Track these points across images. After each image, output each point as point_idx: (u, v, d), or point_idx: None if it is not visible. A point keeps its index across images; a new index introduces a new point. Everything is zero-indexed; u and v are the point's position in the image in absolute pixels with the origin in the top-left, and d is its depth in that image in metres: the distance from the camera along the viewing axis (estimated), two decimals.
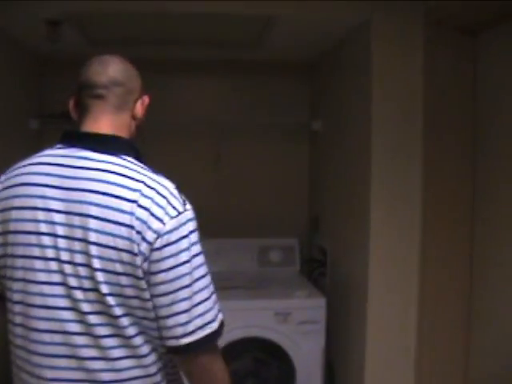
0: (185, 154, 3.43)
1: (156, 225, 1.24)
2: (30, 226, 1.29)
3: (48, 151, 1.37)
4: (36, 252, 1.28)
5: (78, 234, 1.25)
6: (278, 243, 3.39)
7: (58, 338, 1.29)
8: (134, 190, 1.26)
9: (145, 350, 1.32)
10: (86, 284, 1.25)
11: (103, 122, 1.37)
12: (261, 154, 3.60)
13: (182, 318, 1.28)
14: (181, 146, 3.43)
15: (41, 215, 1.28)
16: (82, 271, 1.25)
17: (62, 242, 1.26)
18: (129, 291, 1.26)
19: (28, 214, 1.30)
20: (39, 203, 1.29)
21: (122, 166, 1.30)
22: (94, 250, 1.24)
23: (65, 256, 1.26)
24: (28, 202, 1.30)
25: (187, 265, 1.27)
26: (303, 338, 2.73)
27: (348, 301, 2.79)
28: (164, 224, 1.25)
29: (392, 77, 2.46)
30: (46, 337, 1.29)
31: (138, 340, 1.30)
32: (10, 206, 1.33)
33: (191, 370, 1.35)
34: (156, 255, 1.25)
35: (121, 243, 1.24)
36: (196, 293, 1.29)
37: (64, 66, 3.25)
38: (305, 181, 3.69)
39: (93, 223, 1.24)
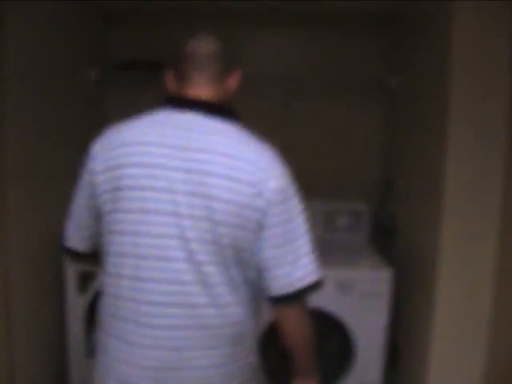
0: (254, 111, 3.24)
1: (272, 183, 1.41)
2: (146, 182, 1.39)
3: (157, 113, 1.49)
4: (152, 206, 1.39)
5: (199, 189, 1.37)
6: (346, 207, 3.16)
7: (171, 287, 1.40)
8: (253, 151, 1.43)
9: (249, 297, 1.50)
10: (206, 236, 1.38)
11: (206, 92, 1.51)
12: (333, 112, 3.36)
13: (288, 269, 1.45)
14: (250, 103, 3.23)
15: (158, 171, 1.39)
16: (203, 225, 1.38)
17: (181, 197, 1.38)
18: (244, 244, 1.42)
19: (144, 171, 1.40)
20: (156, 160, 1.40)
21: (236, 130, 1.46)
22: (215, 204, 1.37)
23: (185, 210, 1.38)
24: (143, 160, 1.40)
25: (297, 220, 1.46)
26: (366, 312, 2.53)
27: (417, 275, 2.56)
28: (279, 183, 1.42)
29: (474, 40, 2.16)
30: (160, 287, 1.41)
31: (245, 288, 1.48)
32: (121, 163, 1.42)
33: (285, 318, 1.54)
34: (272, 210, 1.41)
35: (241, 199, 1.38)
36: (302, 246, 1.48)
37: (127, 16, 3.14)
38: (378, 142, 3.42)
39: (214, 180, 1.37)
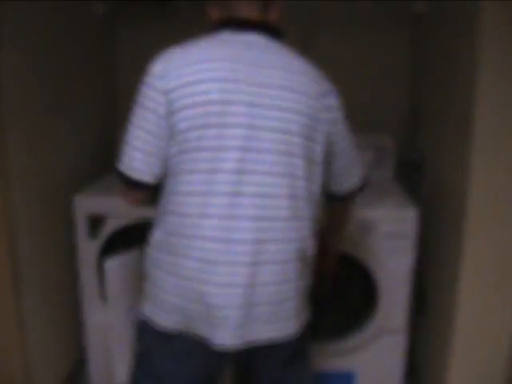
0: None
1: (337, 99, 1.65)
2: (231, 97, 1.44)
3: (219, 34, 1.53)
4: (233, 120, 1.44)
5: (274, 103, 1.47)
6: (371, 141, 2.94)
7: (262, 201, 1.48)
8: (315, 70, 1.59)
9: (313, 213, 1.59)
10: (281, 147, 1.49)
11: (258, 18, 1.56)
12: (355, 41, 3.10)
13: (355, 172, 1.76)
14: None
15: (241, 86, 1.45)
16: (278, 136, 1.48)
17: (258, 110, 1.46)
18: (314, 156, 1.57)
19: (228, 86, 1.44)
20: (236, 75, 1.45)
21: (292, 51, 1.57)
22: (290, 116, 1.48)
23: (261, 123, 1.46)
24: (226, 75, 1.45)
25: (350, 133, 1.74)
26: (390, 253, 2.36)
27: (445, 214, 2.37)
28: (339, 99, 1.66)
29: None
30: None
31: (309, 205, 1.57)
32: (204, 78, 1.43)
33: (346, 209, 1.91)
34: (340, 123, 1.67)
35: (311, 112, 1.53)
36: (357, 154, 1.76)
37: None
38: (405, 73, 3.16)
39: (288, 93, 1.49)
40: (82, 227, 2.46)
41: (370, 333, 2.47)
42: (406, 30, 3.10)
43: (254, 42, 1.51)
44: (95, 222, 2.45)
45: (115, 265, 2.12)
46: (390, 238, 2.36)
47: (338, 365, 2.54)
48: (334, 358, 2.53)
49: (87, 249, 2.48)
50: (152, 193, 1.57)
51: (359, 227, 2.35)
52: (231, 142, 1.43)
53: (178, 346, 1.57)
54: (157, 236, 1.55)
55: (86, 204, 2.45)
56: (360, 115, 3.10)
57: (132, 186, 1.54)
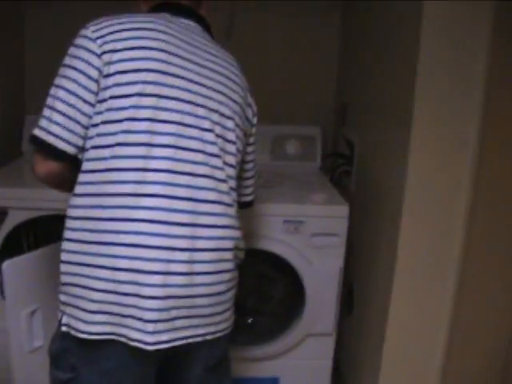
0: None
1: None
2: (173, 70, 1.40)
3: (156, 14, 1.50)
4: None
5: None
6: (297, 132, 2.82)
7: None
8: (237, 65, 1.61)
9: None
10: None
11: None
12: (281, 27, 2.94)
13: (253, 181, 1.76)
14: None
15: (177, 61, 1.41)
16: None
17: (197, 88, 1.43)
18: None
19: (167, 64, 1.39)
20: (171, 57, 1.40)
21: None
22: (226, 101, 1.49)
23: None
24: (168, 47, 1.40)
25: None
26: (317, 253, 2.21)
27: (377, 210, 2.25)
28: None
29: None
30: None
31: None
32: (145, 45, 1.37)
33: None
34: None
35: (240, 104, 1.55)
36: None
37: None
38: (333, 60, 3.03)
39: (223, 79, 1.50)
40: None
41: (296, 336, 2.32)
42: (335, 16, 2.97)
43: (193, 27, 1.53)
44: None
45: (14, 265, 1.88)
46: (317, 236, 2.21)
47: (262, 369, 2.38)
48: (257, 362, 2.37)
49: None
50: (69, 169, 1.41)
51: (285, 224, 2.19)
52: (167, 116, 1.37)
53: (108, 360, 1.38)
54: (78, 224, 1.36)
55: None
56: (285, 105, 2.96)
57: (48, 153, 1.38)
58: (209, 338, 1.45)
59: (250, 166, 1.73)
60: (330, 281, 2.25)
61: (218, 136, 1.44)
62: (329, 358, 2.39)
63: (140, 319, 1.32)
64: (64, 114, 1.35)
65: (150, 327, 1.33)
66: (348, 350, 2.61)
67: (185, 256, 1.35)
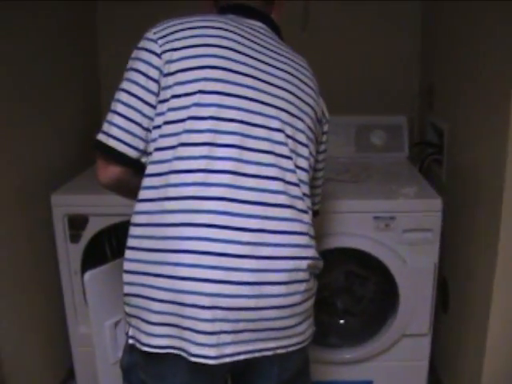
0: None
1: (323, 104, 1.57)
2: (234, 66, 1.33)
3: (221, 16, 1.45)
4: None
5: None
6: (382, 122, 2.69)
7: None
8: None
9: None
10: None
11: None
12: (360, 10, 2.81)
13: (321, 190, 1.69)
14: None
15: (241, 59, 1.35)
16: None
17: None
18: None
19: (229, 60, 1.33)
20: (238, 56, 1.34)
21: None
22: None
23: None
24: (230, 44, 1.34)
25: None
26: (410, 249, 2.09)
27: (473, 200, 2.10)
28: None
29: None
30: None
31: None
32: (207, 43, 1.33)
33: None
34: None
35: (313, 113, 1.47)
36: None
37: None
38: (417, 43, 2.88)
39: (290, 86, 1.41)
40: (60, 229, 2.20)
41: (390, 337, 2.22)
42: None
43: (259, 27, 1.46)
44: (76, 223, 2.19)
45: (96, 276, 1.86)
46: (409, 232, 2.10)
47: (355, 373, 2.30)
48: (350, 365, 2.28)
49: (68, 252, 2.23)
50: (132, 173, 1.36)
51: (374, 220, 2.08)
52: (231, 114, 1.30)
53: (174, 376, 1.31)
54: (139, 231, 1.31)
55: (64, 202, 2.19)
56: (368, 94, 2.84)
57: (109, 157, 1.35)
58: (280, 352, 1.35)
59: (319, 174, 1.62)
60: (425, 278, 2.13)
61: (288, 137, 1.35)
62: (425, 360, 2.28)
63: (199, 332, 1.23)
64: (124, 116, 1.32)
65: (210, 340, 1.24)
66: (445, 350, 2.47)
67: (250, 264, 1.25)
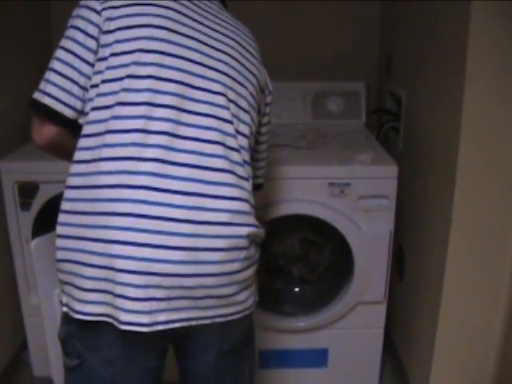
0: None
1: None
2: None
3: None
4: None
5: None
6: (339, 88, 2.64)
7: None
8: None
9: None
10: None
11: None
12: None
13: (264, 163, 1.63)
14: None
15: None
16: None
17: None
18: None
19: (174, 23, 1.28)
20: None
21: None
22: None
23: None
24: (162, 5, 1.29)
25: None
26: (365, 216, 2.07)
27: (429, 168, 2.09)
28: None
29: None
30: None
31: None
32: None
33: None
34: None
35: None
36: None
37: None
38: (377, 9, 2.85)
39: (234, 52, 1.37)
40: (10, 197, 2.14)
41: (345, 305, 2.20)
42: None
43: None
44: (26, 190, 2.13)
45: (43, 244, 1.80)
46: (365, 199, 2.07)
47: (311, 341, 2.28)
48: (306, 333, 2.26)
49: (19, 221, 2.17)
50: (69, 135, 1.30)
51: (331, 188, 2.05)
52: (172, 75, 1.25)
53: (109, 348, 1.27)
54: (73, 194, 1.25)
55: (13, 169, 2.13)
56: (325, 59, 2.80)
57: (44, 116, 1.29)
58: (219, 320, 1.31)
59: (262, 147, 1.59)
60: (380, 245, 2.11)
61: (230, 101, 1.31)
62: (380, 327, 2.28)
63: (131, 298, 1.18)
64: (61, 74, 1.27)
65: (143, 306, 1.19)
66: (399, 318, 2.48)
67: (187, 229, 1.20)
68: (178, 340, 1.36)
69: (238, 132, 1.31)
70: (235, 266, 1.27)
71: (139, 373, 1.32)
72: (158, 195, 1.18)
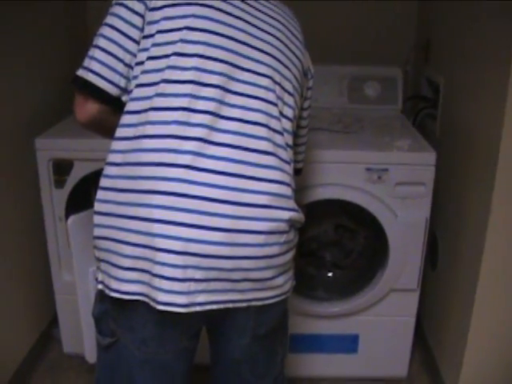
0: None
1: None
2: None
3: None
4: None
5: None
6: (376, 73, 2.60)
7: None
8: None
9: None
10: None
11: None
12: None
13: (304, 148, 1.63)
14: None
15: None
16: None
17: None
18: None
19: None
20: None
21: None
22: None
23: None
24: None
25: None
26: (402, 203, 2.04)
27: (468, 157, 2.06)
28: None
29: None
30: None
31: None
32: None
33: None
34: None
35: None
36: None
37: None
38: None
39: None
40: (44, 174, 2.14)
41: (378, 291, 2.18)
42: None
43: None
44: (61, 168, 2.13)
45: (79, 221, 1.79)
46: (402, 185, 2.04)
47: (342, 326, 2.27)
48: (337, 319, 2.25)
49: (52, 198, 2.18)
50: (111, 112, 1.30)
51: (366, 172, 2.02)
52: (218, 54, 1.23)
53: (144, 328, 1.27)
54: (114, 171, 1.25)
55: (49, 146, 2.12)
56: (363, 44, 2.77)
57: (87, 93, 1.28)
58: (255, 304, 1.29)
59: (303, 131, 1.57)
60: (416, 233, 2.09)
61: (275, 83, 1.29)
62: (412, 315, 2.25)
63: (169, 278, 1.17)
64: (105, 51, 1.26)
65: (181, 287, 1.18)
66: (431, 308, 2.45)
67: (227, 210, 1.18)
68: (214, 322, 1.35)
69: (282, 115, 1.30)
70: (274, 250, 1.25)
71: (173, 353, 1.32)
72: (199, 175, 1.17)
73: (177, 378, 1.37)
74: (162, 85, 1.20)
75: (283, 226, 1.26)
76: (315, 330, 2.26)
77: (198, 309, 1.20)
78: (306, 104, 1.53)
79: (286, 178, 1.27)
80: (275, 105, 1.28)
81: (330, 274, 2.31)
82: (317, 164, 2.00)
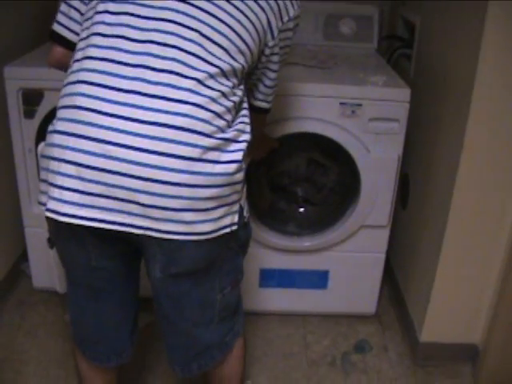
0: None
1: None
2: None
3: None
4: None
5: None
6: (352, 10, 2.56)
7: None
8: None
9: None
10: None
11: None
12: None
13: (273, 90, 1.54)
14: None
15: None
16: None
17: None
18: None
19: None
20: None
21: None
22: None
23: None
24: None
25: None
26: (375, 139, 2.04)
27: (441, 98, 2.06)
28: None
29: None
30: None
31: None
32: None
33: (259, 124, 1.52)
34: None
35: None
36: None
37: None
38: None
39: None
40: (14, 103, 2.08)
41: (349, 227, 2.19)
42: None
43: None
44: (31, 98, 2.08)
45: None
46: (376, 121, 2.03)
47: (312, 262, 2.28)
48: (307, 254, 2.27)
49: (22, 129, 2.13)
50: (72, 56, 1.34)
51: (340, 107, 2.00)
52: None
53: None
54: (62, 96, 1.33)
55: (18, 75, 2.06)
56: None
57: (53, 40, 1.43)
58: (154, 235, 1.21)
59: (272, 74, 1.46)
60: (388, 169, 2.09)
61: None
62: (382, 252, 2.28)
63: (58, 186, 1.18)
64: (68, 4, 1.38)
65: (63, 195, 1.18)
66: (400, 246, 2.48)
67: (141, 129, 1.15)
68: (133, 248, 1.35)
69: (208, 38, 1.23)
70: (192, 179, 1.17)
71: (89, 271, 1.38)
72: (97, 90, 1.20)
73: (109, 300, 1.46)
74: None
75: (211, 155, 1.20)
76: (286, 265, 2.28)
77: (76, 221, 1.19)
78: (276, 50, 1.40)
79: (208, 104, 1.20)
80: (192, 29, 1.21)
81: (301, 210, 2.30)
82: (291, 97, 1.98)
